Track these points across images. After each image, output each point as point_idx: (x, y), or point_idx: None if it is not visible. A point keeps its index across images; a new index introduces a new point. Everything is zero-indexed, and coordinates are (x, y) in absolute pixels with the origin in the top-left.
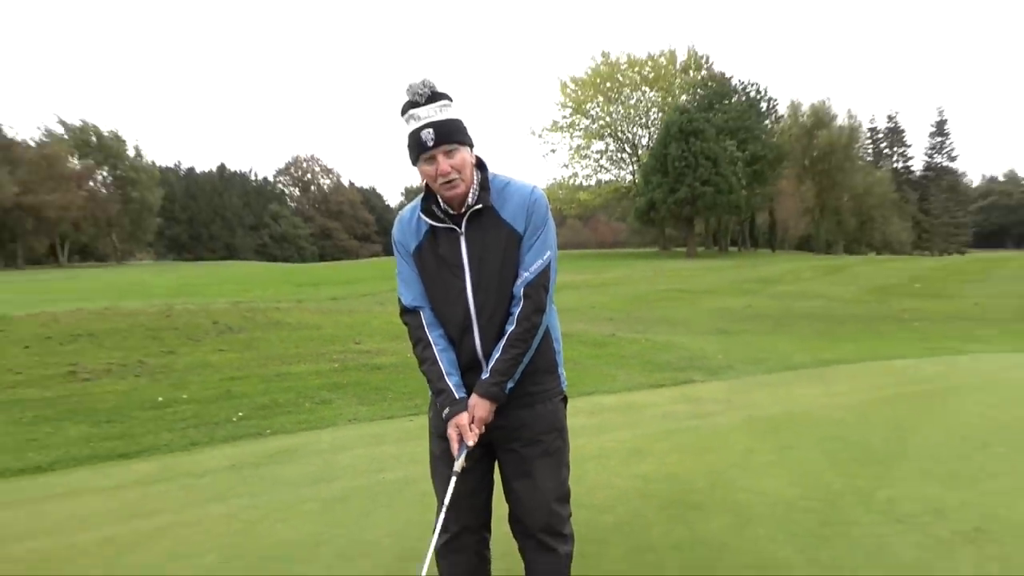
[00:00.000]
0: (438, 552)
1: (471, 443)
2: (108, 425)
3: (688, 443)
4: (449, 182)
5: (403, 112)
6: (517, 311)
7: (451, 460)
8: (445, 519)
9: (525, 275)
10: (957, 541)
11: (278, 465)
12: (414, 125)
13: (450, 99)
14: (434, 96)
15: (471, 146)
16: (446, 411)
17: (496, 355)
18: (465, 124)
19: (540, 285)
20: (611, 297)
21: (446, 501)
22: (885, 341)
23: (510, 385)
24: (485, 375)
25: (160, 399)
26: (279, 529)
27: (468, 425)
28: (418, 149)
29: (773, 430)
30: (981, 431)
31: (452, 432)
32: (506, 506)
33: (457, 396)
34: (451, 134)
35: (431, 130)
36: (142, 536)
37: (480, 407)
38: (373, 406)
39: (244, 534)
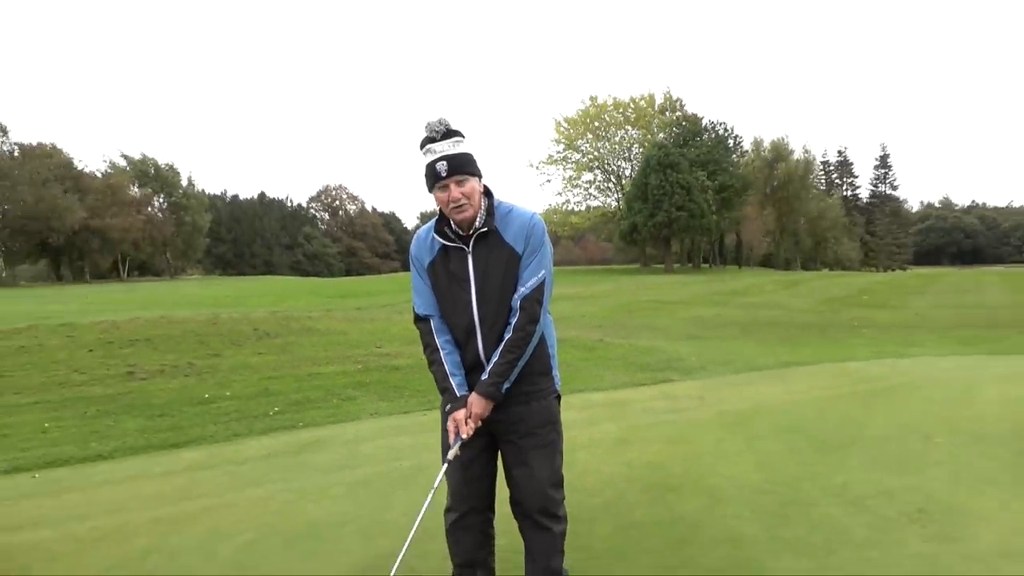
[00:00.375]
0: (448, 530)
1: (465, 436)
2: (161, 419)
3: (667, 434)
4: (459, 207)
5: (421, 146)
6: (514, 321)
7: (461, 448)
8: (452, 500)
9: (522, 290)
10: (903, 520)
11: (309, 454)
12: (431, 158)
13: (462, 135)
14: (448, 133)
15: (479, 176)
16: (448, 407)
17: (494, 359)
18: (475, 157)
19: (535, 299)
20: (599, 307)
21: (435, 484)
22: (838, 346)
23: (506, 386)
24: (484, 376)
25: (207, 396)
26: (310, 510)
27: (464, 420)
28: (434, 178)
29: (741, 423)
30: (923, 424)
31: (450, 426)
32: (508, 490)
33: (458, 394)
34: (462, 166)
35: (445, 162)
36: (189, 516)
37: (477, 404)
38: (392, 402)
39: (279, 514)
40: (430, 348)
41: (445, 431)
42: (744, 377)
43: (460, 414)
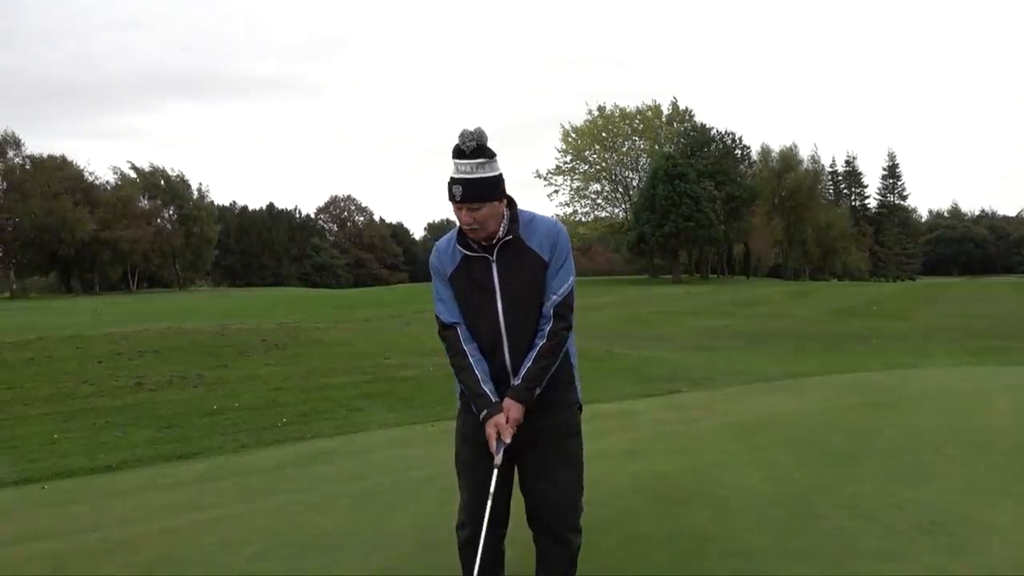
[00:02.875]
0: (461, 547)
1: (508, 440)
2: (169, 430)
3: (675, 445)
4: (472, 230)
5: (453, 154)
6: (548, 327)
7: (477, 461)
8: (467, 517)
9: (554, 297)
10: (914, 532)
11: (317, 465)
12: (452, 174)
13: (491, 155)
14: (477, 151)
15: (502, 199)
16: (484, 413)
17: (528, 364)
18: (501, 177)
19: (567, 305)
20: (607, 318)
21: (491, 490)
22: (847, 356)
23: (539, 391)
24: (517, 381)
25: (215, 407)
26: (318, 521)
27: (505, 425)
28: (449, 195)
29: (750, 434)
30: (934, 435)
31: (491, 431)
32: (523, 504)
33: (493, 400)
34: (477, 194)
35: (460, 187)
36: (197, 527)
37: (514, 409)
38: (400, 413)
39: (288, 525)
40: (459, 355)
41: (468, 445)
42: (753, 388)
43: (500, 419)
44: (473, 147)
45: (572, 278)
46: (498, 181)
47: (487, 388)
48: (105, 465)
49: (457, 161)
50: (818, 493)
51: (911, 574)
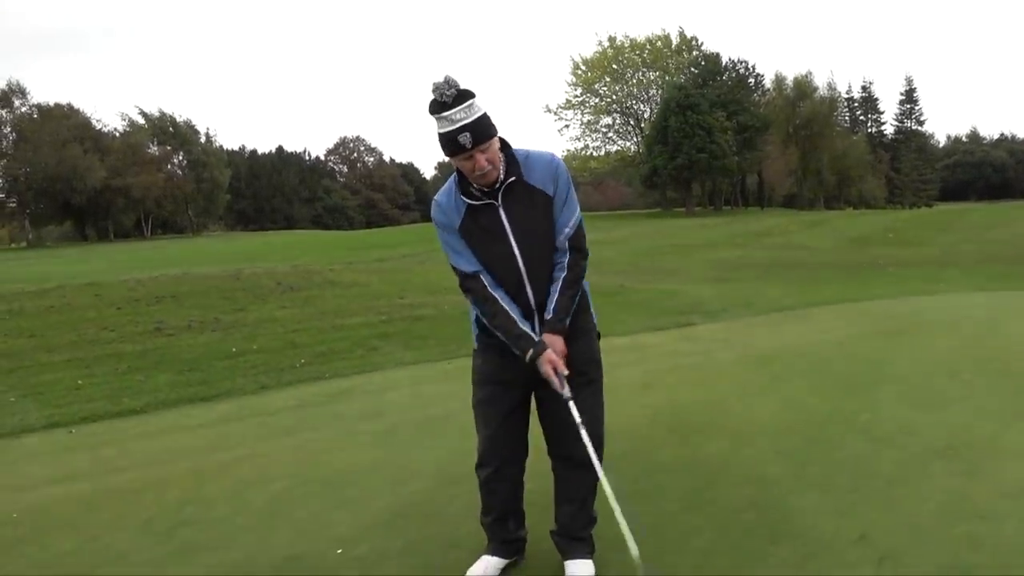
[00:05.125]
0: (482, 484)
1: (566, 372)
2: (190, 373)
3: (690, 377)
4: (485, 174)
5: (432, 111)
6: (566, 260)
7: (494, 400)
8: (486, 455)
9: (566, 230)
10: (930, 456)
11: (336, 403)
12: (448, 127)
13: (473, 95)
14: (460, 96)
15: (496, 133)
16: (530, 352)
17: (555, 297)
18: (488, 114)
19: (580, 235)
20: (620, 252)
21: (579, 419)
22: (862, 284)
23: (568, 321)
24: (549, 315)
25: (234, 350)
26: (339, 457)
27: (557, 359)
28: (454, 148)
29: (765, 364)
30: (949, 361)
31: (548, 368)
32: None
33: (536, 339)
34: (484, 134)
35: (468, 134)
36: (222, 466)
37: (556, 342)
38: (416, 351)
39: (309, 462)
40: (489, 302)
41: (482, 386)
42: (767, 318)
43: (551, 354)
44: (454, 94)
45: (579, 210)
46: (489, 117)
47: (526, 328)
48: (130, 409)
49: (446, 113)
50: (833, 421)
51: (927, 497)
